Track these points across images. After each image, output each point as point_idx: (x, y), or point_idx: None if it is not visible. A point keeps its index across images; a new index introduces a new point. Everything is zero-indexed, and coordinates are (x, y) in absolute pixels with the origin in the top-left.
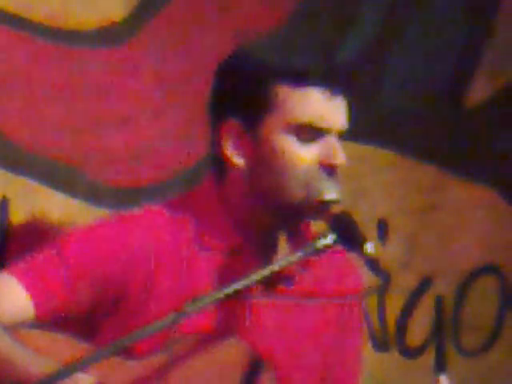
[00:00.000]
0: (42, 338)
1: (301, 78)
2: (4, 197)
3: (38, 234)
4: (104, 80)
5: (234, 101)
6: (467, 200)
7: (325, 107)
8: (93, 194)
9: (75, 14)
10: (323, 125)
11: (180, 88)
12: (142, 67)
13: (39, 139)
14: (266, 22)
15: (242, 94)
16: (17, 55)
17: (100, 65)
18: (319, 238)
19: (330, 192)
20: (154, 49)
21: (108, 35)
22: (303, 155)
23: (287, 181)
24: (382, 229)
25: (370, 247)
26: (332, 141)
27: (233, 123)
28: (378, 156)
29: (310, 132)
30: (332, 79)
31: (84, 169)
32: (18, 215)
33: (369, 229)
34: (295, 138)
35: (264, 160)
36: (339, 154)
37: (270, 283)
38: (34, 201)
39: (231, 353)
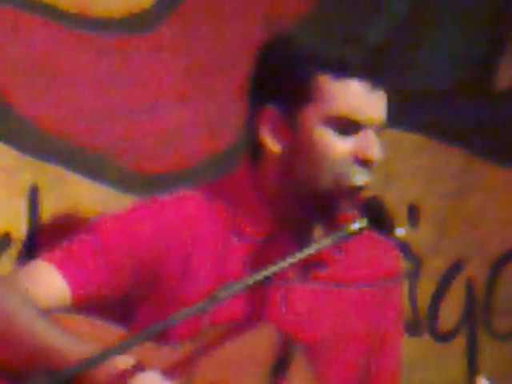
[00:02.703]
0: (79, 322)
1: (343, 70)
2: (34, 185)
3: (67, 222)
4: (132, 67)
5: (275, 88)
6: (496, 183)
7: (365, 100)
8: (121, 181)
9: (103, 1)
10: (362, 118)
11: (208, 75)
12: (170, 54)
13: (67, 126)
14: (294, 8)
15: (282, 82)
16: (45, 43)
17: (128, 52)
18: (351, 223)
19: (360, 177)
20: (182, 36)
21: (136, 22)
22: (339, 148)
23: (320, 171)
24: (413, 213)
25: (400, 231)
26: (369, 135)
27: (272, 110)
28: (407, 140)
29: (347, 124)
30: (374, 72)
31: (112, 155)
32: (47, 203)
33: (399, 213)
34: (333, 130)
35: (300, 149)
36: (375, 148)
37: (305, 267)
38: (63, 189)
39: (262, 338)
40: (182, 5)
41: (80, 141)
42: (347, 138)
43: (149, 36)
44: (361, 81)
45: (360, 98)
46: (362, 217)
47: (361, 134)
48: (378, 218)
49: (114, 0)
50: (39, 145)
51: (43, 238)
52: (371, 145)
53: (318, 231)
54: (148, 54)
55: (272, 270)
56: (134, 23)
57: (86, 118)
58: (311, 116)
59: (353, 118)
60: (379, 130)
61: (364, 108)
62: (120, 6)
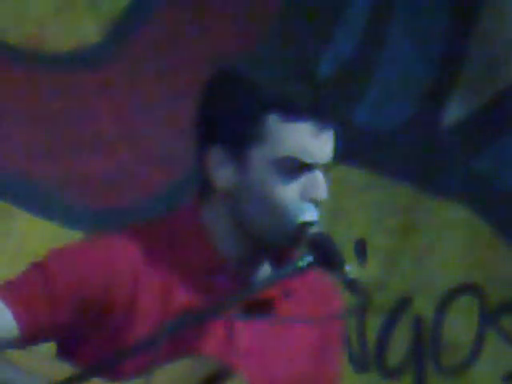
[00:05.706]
0: (27, 358)
1: (291, 111)
2: None
3: (14, 258)
4: (80, 103)
5: (222, 127)
6: (444, 219)
7: (313, 142)
8: (69, 217)
9: (51, 36)
10: (309, 160)
11: (155, 111)
12: (119, 90)
13: (16, 163)
14: (243, 43)
15: (230, 122)
16: None
17: (76, 87)
18: (297, 260)
19: (308, 214)
20: (131, 71)
21: (84, 58)
22: (285, 192)
23: (267, 213)
24: (360, 249)
25: (348, 268)
26: (316, 175)
27: (220, 149)
28: (355, 176)
29: (295, 166)
30: (322, 112)
31: (60, 192)
32: None
33: (347, 249)
34: (279, 173)
35: (246, 190)
36: (322, 189)
37: (251, 307)
38: (11, 224)
39: (205, 372)
40: (131, 40)
41: (28, 177)
42: (293, 180)
43: (97, 72)
44: (309, 122)
45: (308, 139)
46: (310, 254)
47: (307, 175)
48: (326, 255)
49: (62, 36)
50: None
51: None
52: (319, 186)
53: (266, 268)
54: (96, 90)
55: (218, 306)
56: (83, 59)
57: (34, 154)
58: (258, 158)
59: (300, 161)
60: (327, 169)
61: (312, 150)
62: (68, 42)
